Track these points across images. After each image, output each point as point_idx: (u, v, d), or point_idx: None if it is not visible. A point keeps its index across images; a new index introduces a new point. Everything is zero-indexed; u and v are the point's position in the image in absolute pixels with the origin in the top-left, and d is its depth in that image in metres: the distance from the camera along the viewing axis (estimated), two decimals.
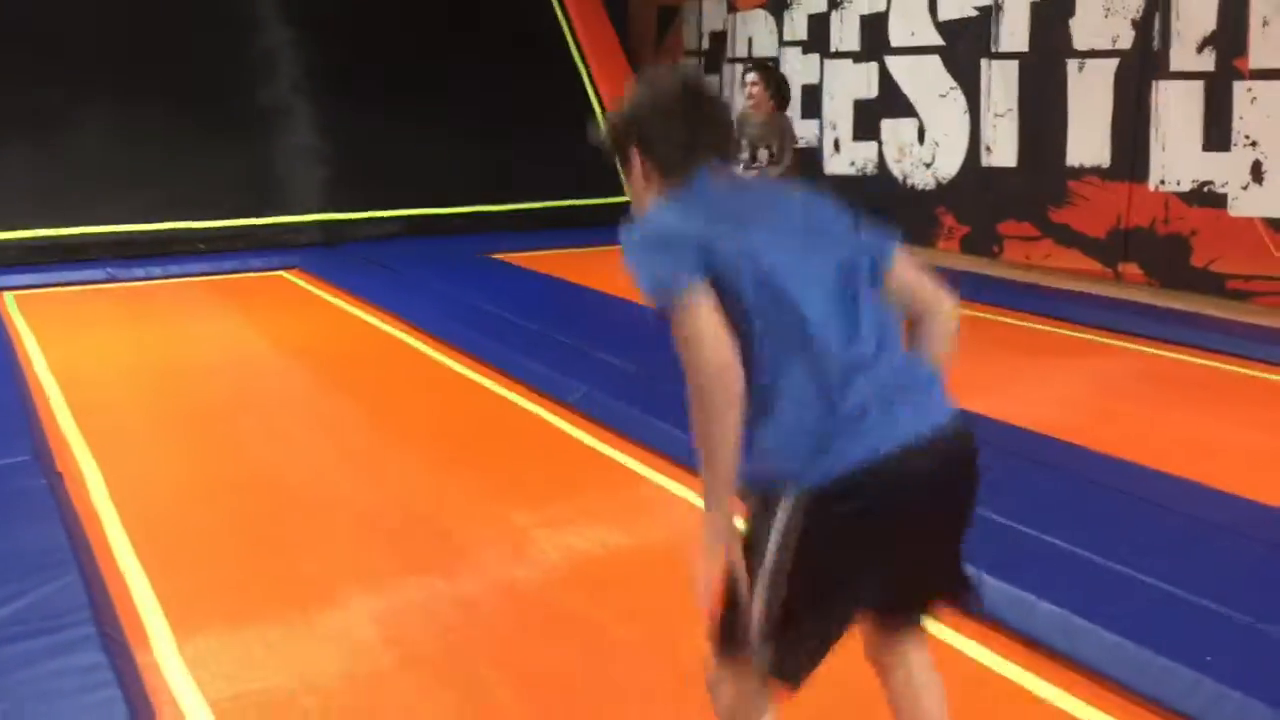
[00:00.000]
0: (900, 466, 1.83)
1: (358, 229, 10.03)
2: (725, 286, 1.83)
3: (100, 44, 9.77)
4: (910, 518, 1.89)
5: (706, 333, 1.80)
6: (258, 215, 9.77)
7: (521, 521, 3.97)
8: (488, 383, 5.77)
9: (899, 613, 2.09)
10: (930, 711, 2.11)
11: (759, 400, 1.86)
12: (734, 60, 11.62)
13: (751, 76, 6.85)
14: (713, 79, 11.99)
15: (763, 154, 6.66)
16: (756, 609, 1.87)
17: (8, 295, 7.98)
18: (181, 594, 3.43)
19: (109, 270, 8.71)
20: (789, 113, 7.14)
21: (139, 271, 8.76)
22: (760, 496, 1.90)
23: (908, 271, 2.05)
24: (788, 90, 7.01)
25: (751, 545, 1.89)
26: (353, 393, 5.71)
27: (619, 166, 2.04)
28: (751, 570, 1.88)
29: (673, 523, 4.00)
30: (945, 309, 2.08)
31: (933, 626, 3.18)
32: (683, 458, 4.47)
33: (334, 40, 10.72)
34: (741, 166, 6.54)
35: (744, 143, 6.62)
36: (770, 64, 7.27)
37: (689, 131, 1.95)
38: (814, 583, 1.86)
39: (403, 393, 5.75)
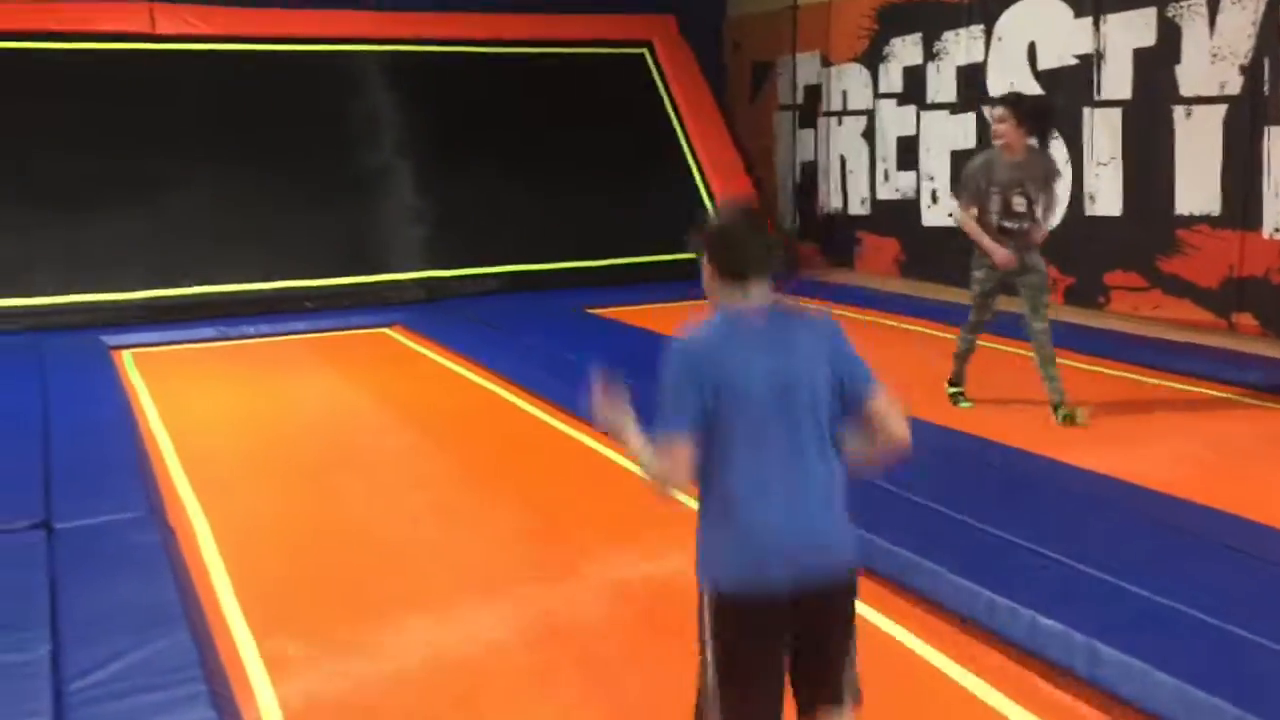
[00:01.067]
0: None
1: (458, 285, 10.22)
2: (712, 407, 2.25)
3: (209, 108, 10.21)
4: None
5: (678, 469, 2.28)
6: (361, 274, 10.02)
7: (615, 576, 3.95)
8: (586, 439, 5.78)
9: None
10: None
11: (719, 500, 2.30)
12: (829, 113, 11.62)
13: (998, 112, 5.84)
14: (808, 132, 12.00)
15: (1018, 201, 5.82)
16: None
17: (126, 353, 8.28)
18: (285, 650, 3.48)
19: (219, 328, 9.00)
20: (1051, 148, 6.22)
21: (247, 329, 9.03)
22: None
23: (881, 403, 2.35)
24: (1048, 119, 5.97)
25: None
26: (451, 448, 5.78)
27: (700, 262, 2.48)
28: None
29: None
30: (901, 436, 2.36)
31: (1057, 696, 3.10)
32: None
33: (433, 101, 11.02)
34: (997, 218, 5.83)
35: (993, 192, 5.82)
36: (1020, 95, 6.07)
37: (741, 255, 2.39)
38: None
39: (500, 448, 5.80)
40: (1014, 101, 5.89)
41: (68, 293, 9.03)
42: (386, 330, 9.17)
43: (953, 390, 6.42)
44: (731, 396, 2.24)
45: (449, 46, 11.42)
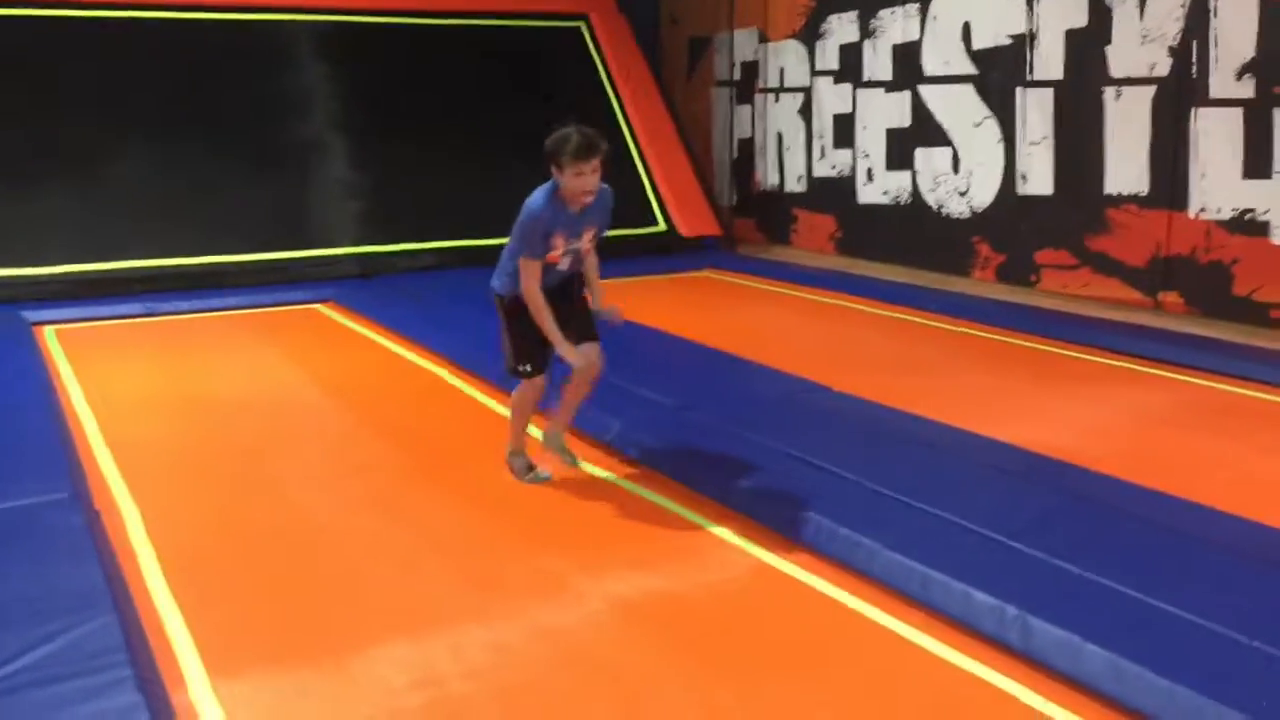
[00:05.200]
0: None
1: (394, 261, 10.08)
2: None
3: (137, 80, 9.94)
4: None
5: (534, 279, 4.30)
6: (293, 249, 9.85)
7: (558, 565, 3.92)
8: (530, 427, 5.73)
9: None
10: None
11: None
12: (766, 90, 11.63)
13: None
14: (745, 108, 12.01)
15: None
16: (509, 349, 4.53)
17: (48, 329, 8.06)
18: (217, 635, 3.42)
19: (146, 304, 8.79)
20: None
21: (176, 305, 8.84)
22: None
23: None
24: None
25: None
26: (387, 429, 5.70)
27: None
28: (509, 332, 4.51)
29: (710, 565, 3.95)
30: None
31: (972, 664, 3.15)
32: (718, 495, 4.44)
33: (368, 74, 10.84)
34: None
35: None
36: None
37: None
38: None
39: (437, 429, 5.74)
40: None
41: None
42: (319, 307, 9.03)
43: None
44: None
45: (384, 17, 11.24)
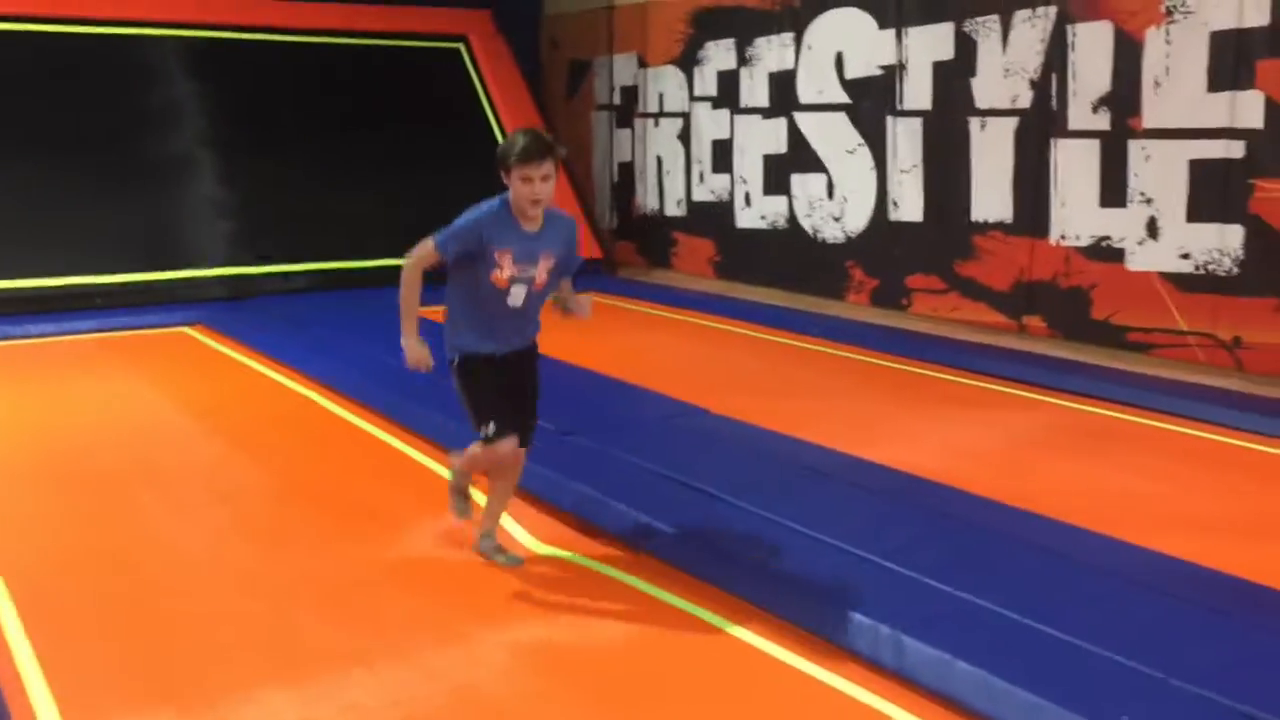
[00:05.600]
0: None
1: (264, 283, 9.82)
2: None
3: None
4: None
5: (421, 264, 3.92)
6: (159, 270, 9.51)
7: (441, 602, 3.83)
8: (402, 446, 5.63)
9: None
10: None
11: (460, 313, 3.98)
12: (645, 115, 11.72)
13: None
14: (625, 132, 12.08)
15: None
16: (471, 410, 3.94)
17: None
18: (75, 682, 3.24)
19: None
20: None
21: (30, 329, 8.44)
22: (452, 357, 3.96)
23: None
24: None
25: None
26: (258, 457, 5.53)
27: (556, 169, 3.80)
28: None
29: (597, 600, 3.92)
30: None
31: (848, 686, 3.19)
32: (604, 521, 4.42)
33: (240, 92, 10.57)
34: None
35: None
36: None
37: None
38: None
39: (312, 457, 5.59)
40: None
41: None
42: (186, 329, 8.74)
43: None
44: None
45: (257, 34, 10.99)
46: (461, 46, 12.05)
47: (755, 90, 10.31)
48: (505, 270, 3.79)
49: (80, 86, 9.88)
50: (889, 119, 9.02)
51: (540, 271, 3.84)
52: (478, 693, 3.20)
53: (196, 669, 3.33)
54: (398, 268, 3.99)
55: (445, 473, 4.47)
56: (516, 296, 3.83)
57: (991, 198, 8.33)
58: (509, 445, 3.90)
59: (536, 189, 3.71)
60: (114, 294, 9.19)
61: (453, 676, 3.28)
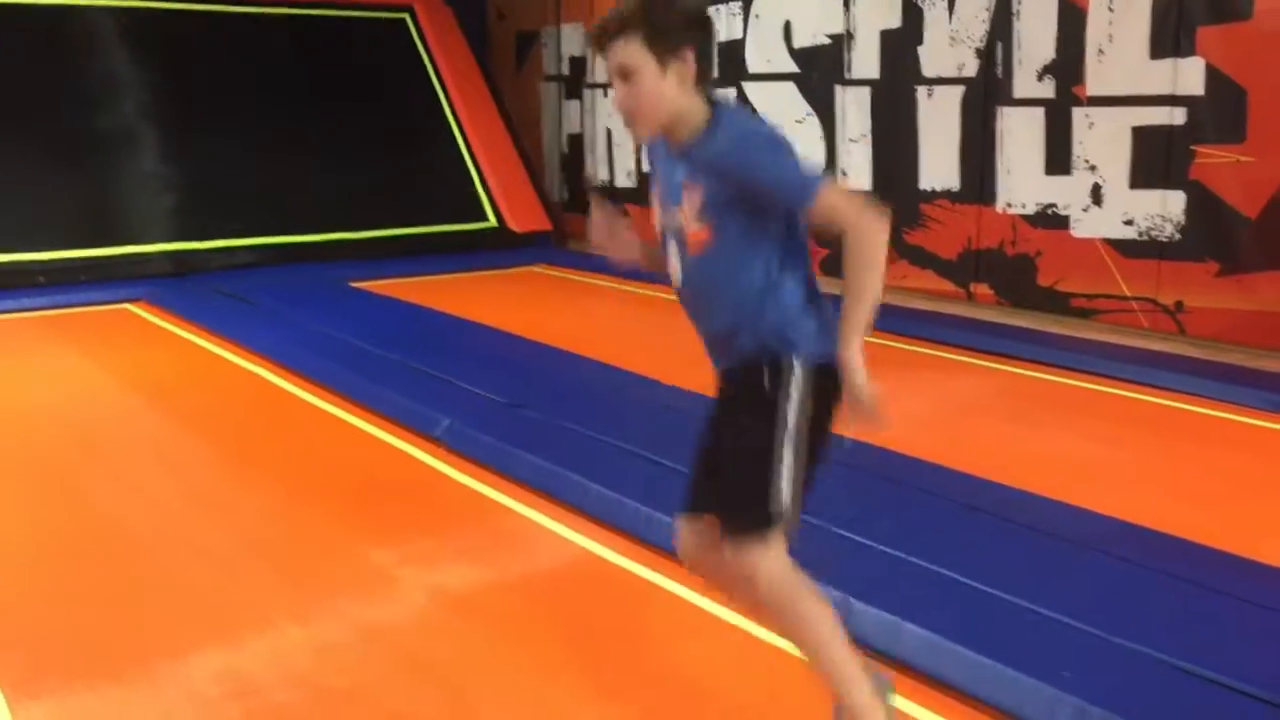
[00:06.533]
0: None
1: (209, 258, 9.67)
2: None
3: None
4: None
5: (861, 200, 2.37)
6: (101, 246, 9.34)
7: (382, 560, 3.84)
8: (349, 417, 5.60)
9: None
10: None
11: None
12: (594, 85, 11.65)
13: None
14: (574, 104, 12.00)
15: None
16: (788, 471, 2.37)
17: None
18: (15, 654, 3.20)
19: None
20: None
21: None
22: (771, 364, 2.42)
23: None
24: None
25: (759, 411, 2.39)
26: (203, 432, 5.47)
27: (651, 55, 2.25)
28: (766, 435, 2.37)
29: (540, 557, 3.93)
30: None
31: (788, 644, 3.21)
32: (550, 490, 4.41)
33: (181, 62, 10.37)
34: None
35: None
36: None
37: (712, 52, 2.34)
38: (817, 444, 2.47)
39: (257, 430, 5.53)
40: None
41: None
42: (129, 306, 8.59)
43: None
44: None
45: (198, 4, 10.77)
46: (407, 17, 11.90)
47: None
48: (656, 217, 2.50)
49: (17, 59, 9.64)
50: (837, 88, 9.03)
51: (686, 218, 2.38)
52: (406, 646, 3.24)
53: (136, 637, 3.30)
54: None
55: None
56: (672, 263, 2.50)
57: (939, 166, 8.38)
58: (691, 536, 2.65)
59: (616, 90, 2.33)
60: (55, 271, 9.01)
61: (383, 629, 3.34)
